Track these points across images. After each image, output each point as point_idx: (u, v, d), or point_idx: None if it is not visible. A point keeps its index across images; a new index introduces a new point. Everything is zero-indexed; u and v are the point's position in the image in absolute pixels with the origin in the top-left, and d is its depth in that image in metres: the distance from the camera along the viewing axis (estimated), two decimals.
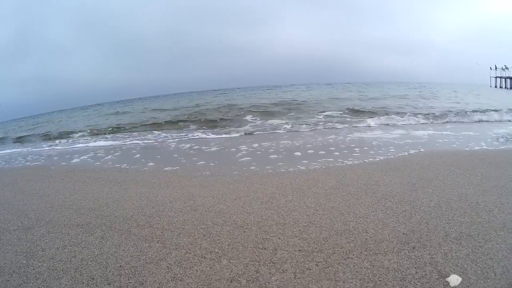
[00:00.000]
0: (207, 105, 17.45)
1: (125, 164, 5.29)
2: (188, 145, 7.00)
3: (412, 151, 5.08)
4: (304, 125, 9.16)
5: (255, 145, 6.48)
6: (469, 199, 2.87)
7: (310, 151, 5.32)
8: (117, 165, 5.29)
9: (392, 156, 4.72)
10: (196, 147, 6.77)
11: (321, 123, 9.46)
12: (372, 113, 10.78)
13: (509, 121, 9.22)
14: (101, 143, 8.82)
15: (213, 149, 6.36)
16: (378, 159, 4.59)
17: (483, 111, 10.77)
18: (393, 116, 10.48)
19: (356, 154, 4.93)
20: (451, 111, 11.15)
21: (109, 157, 6.24)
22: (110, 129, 11.47)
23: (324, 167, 4.24)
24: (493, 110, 10.80)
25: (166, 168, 4.75)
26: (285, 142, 6.66)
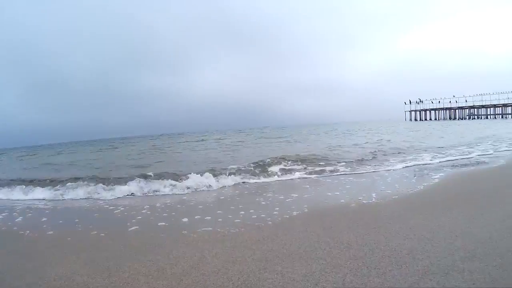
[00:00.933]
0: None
1: (28, 231, 5.17)
2: (88, 206, 6.92)
3: (295, 213, 5.21)
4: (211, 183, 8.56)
5: (158, 204, 6.46)
6: (311, 280, 2.76)
7: (197, 217, 5.42)
8: (21, 232, 5.17)
9: (270, 222, 4.79)
10: (97, 206, 6.75)
11: (226, 178, 9.05)
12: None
13: (414, 164, 9.94)
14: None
15: (110, 213, 6.27)
16: (256, 225, 4.72)
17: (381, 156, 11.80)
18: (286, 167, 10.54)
19: (237, 220, 5.05)
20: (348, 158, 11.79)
21: (19, 219, 6.11)
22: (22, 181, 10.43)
23: (197, 238, 4.30)
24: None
25: (63, 238, 4.70)
26: (186, 199, 7.06)
